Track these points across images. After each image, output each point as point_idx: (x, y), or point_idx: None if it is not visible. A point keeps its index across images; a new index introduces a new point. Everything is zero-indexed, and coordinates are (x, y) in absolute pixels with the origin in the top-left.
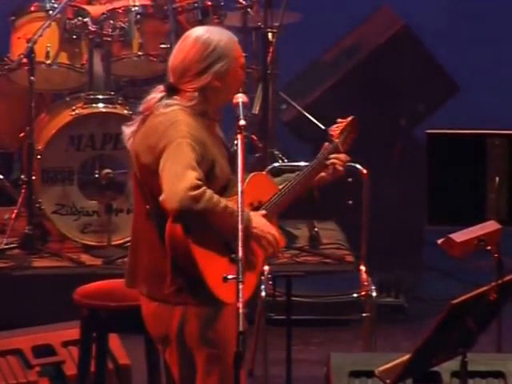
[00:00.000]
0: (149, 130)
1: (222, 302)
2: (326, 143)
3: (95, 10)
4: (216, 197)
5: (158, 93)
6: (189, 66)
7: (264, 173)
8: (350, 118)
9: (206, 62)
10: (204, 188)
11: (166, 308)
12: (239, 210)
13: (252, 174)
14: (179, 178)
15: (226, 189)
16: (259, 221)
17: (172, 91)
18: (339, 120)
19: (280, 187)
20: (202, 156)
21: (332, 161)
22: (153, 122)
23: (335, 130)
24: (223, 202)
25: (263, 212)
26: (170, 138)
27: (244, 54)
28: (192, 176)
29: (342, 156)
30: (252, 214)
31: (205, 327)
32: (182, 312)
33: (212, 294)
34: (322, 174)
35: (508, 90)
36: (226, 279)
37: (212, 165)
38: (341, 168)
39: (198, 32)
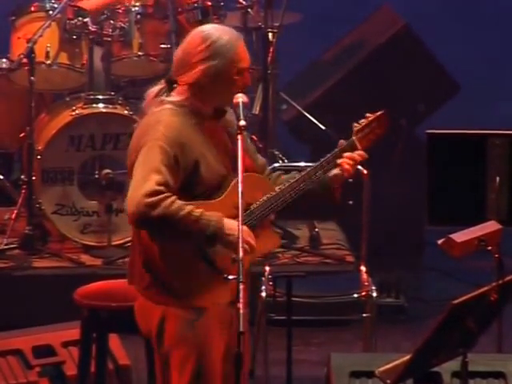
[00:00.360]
0: (137, 130)
1: (196, 306)
2: (341, 140)
3: (90, 4)
4: (178, 203)
5: (157, 86)
6: (184, 59)
7: (256, 174)
8: (378, 113)
9: (197, 57)
10: (164, 195)
11: (150, 305)
12: (239, 211)
13: (245, 175)
14: (140, 184)
15: (220, 188)
16: (232, 227)
17: (171, 85)
18: (367, 115)
19: (277, 188)
20: (177, 158)
21: (341, 160)
22: (141, 123)
23: (357, 125)
24: (187, 208)
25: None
26: (145, 140)
27: (248, 59)
28: (153, 181)
29: (355, 154)
30: (225, 220)
31: (182, 328)
32: (162, 311)
33: (185, 299)
34: (336, 172)
35: (508, 91)
36: (226, 280)
37: (194, 165)
38: (347, 167)
39: (204, 27)
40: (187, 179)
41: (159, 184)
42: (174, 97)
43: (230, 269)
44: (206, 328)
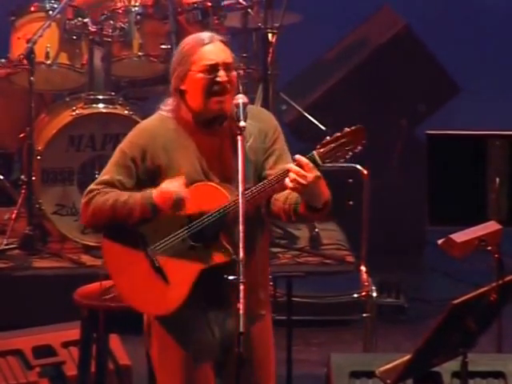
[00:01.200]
0: None
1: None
2: (311, 153)
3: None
4: (107, 195)
5: None
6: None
7: (212, 183)
8: (353, 128)
9: (172, 67)
10: (95, 192)
11: None
12: (240, 212)
13: (197, 184)
14: None
15: None
16: (163, 189)
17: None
18: (345, 129)
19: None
20: (135, 160)
21: (287, 178)
22: None
23: (327, 139)
24: (114, 197)
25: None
26: None
27: (215, 56)
28: (96, 181)
29: (302, 172)
30: (155, 189)
31: (147, 337)
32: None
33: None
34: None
35: (509, 91)
36: (226, 280)
37: (157, 170)
38: (294, 178)
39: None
40: (150, 183)
41: (98, 183)
42: (167, 105)
43: (180, 278)
44: (159, 334)
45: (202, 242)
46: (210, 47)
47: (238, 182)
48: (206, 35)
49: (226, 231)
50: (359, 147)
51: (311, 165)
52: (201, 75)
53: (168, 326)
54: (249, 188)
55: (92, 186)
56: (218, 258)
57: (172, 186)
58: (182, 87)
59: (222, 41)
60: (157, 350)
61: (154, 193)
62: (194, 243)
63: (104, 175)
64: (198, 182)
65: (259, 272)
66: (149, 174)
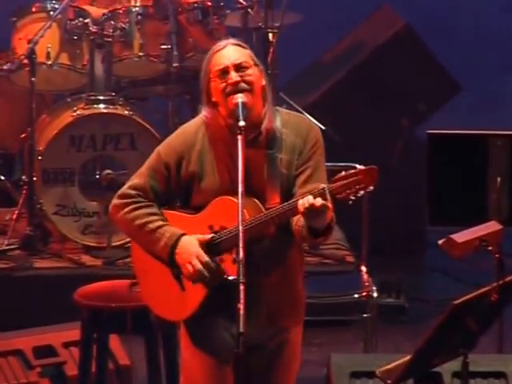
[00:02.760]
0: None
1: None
2: (321, 185)
3: (96, 11)
4: (138, 211)
5: None
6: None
7: (234, 199)
8: (366, 167)
9: (201, 82)
10: (130, 200)
11: None
12: (239, 211)
13: (221, 198)
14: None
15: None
16: (186, 246)
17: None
18: (358, 166)
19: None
20: (169, 166)
21: (299, 203)
22: None
23: (340, 175)
24: (145, 219)
25: (201, 237)
26: None
27: (224, 60)
28: (129, 184)
29: (314, 202)
30: (184, 238)
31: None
32: None
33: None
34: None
35: (510, 91)
36: (227, 280)
37: (191, 178)
38: (301, 210)
39: None
40: (184, 189)
41: (133, 187)
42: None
43: (193, 286)
44: (184, 332)
45: (218, 255)
46: (221, 53)
47: (239, 189)
48: (220, 43)
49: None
50: (371, 187)
51: (312, 200)
52: (217, 82)
53: (189, 328)
54: (271, 207)
55: (127, 190)
56: (231, 273)
57: (201, 252)
58: (213, 99)
59: (236, 44)
60: (182, 349)
61: (182, 240)
62: (212, 255)
63: (138, 178)
64: (226, 193)
65: (286, 287)
66: (183, 181)
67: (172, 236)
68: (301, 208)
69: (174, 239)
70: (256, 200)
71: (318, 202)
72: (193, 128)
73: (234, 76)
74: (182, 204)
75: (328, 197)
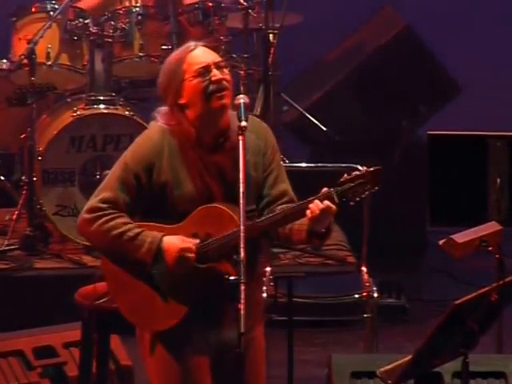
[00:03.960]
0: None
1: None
2: (325, 189)
3: (87, 2)
4: (114, 222)
5: None
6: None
7: (223, 207)
8: (370, 169)
9: (161, 87)
10: (102, 212)
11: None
12: (241, 211)
13: (207, 206)
14: (91, 199)
15: (188, 214)
16: (170, 243)
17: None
18: (361, 168)
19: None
20: (140, 176)
21: (308, 210)
22: None
23: (344, 177)
24: (123, 228)
25: (186, 238)
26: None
27: (205, 58)
28: (98, 198)
29: (324, 205)
30: (166, 237)
31: (139, 343)
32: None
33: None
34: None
35: (510, 92)
36: (227, 281)
37: (163, 187)
38: (314, 215)
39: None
40: (155, 200)
41: (104, 201)
42: (166, 118)
43: (176, 292)
44: (152, 343)
45: (205, 264)
46: (197, 52)
47: (240, 189)
48: (189, 44)
49: (231, 256)
50: (376, 188)
51: (329, 204)
52: (195, 80)
53: (160, 335)
54: (252, 210)
55: (97, 204)
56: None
57: (183, 244)
58: (181, 101)
59: (206, 45)
60: (148, 357)
61: (164, 239)
62: (198, 264)
63: (107, 191)
64: (202, 200)
65: (257, 288)
66: (154, 191)
67: (154, 239)
68: (310, 213)
69: (157, 242)
70: (235, 207)
71: (330, 206)
72: (157, 134)
73: (217, 73)
74: (150, 216)
75: (336, 201)
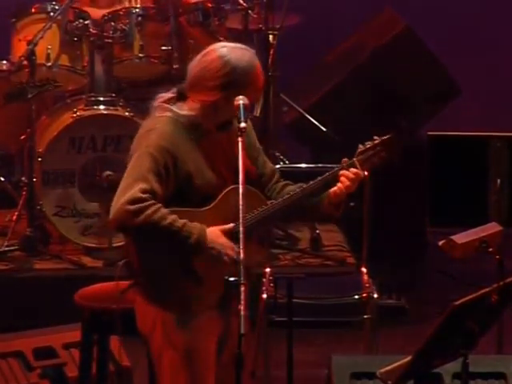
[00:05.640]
0: (136, 135)
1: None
2: (344, 159)
3: (95, 12)
4: (161, 212)
5: (169, 93)
6: (200, 79)
7: (249, 186)
8: (384, 137)
9: (217, 81)
10: (148, 203)
11: (143, 303)
12: (240, 211)
13: (232, 187)
14: (125, 191)
15: (215, 197)
16: (216, 239)
17: (182, 95)
18: (375, 137)
19: (270, 202)
20: (168, 167)
21: (341, 177)
22: (141, 127)
23: (361, 147)
24: (169, 218)
25: (223, 227)
26: (137, 146)
27: (263, 79)
28: (137, 189)
29: (351, 173)
30: (208, 231)
31: (172, 333)
32: (153, 314)
33: (163, 302)
34: (334, 189)
35: (510, 92)
36: (227, 281)
37: (187, 176)
38: (346, 184)
39: (222, 51)
40: (180, 189)
41: (144, 192)
42: (183, 109)
43: (212, 277)
44: (194, 333)
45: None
46: (260, 68)
47: (240, 190)
48: (251, 52)
49: (261, 234)
50: (392, 155)
51: (358, 171)
52: (255, 93)
53: (173, 324)
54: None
55: (138, 194)
56: (258, 258)
57: (226, 245)
58: (223, 103)
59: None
60: (161, 348)
61: (207, 239)
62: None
63: (142, 182)
64: (218, 184)
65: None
66: (179, 180)
67: (201, 231)
68: (344, 181)
69: (203, 233)
70: (257, 191)
71: (360, 173)
72: (172, 127)
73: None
74: (173, 205)
75: (360, 169)
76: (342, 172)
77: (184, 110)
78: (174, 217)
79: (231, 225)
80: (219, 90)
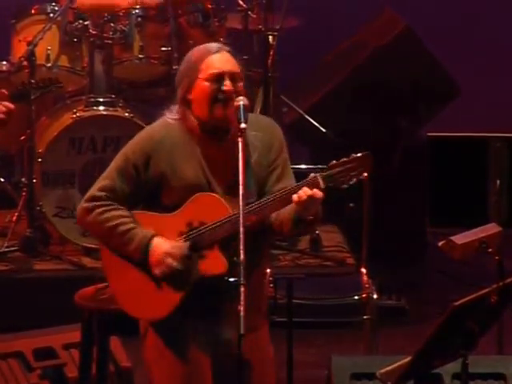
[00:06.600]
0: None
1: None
2: (312, 174)
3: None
4: (110, 213)
5: None
6: (176, 79)
7: (216, 195)
8: (360, 154)
9: (178, 76)
10: (100, 202)
11: None
12: (240, 212)
13: (201, 194)
14: (91, 189)
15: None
16: (158, 246)
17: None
18: (353, 154)
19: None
20: (138, 166)
21: (295, 195)
22: None
23: (333, 163)
24: (117, 221)
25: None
26: None
27: (223, 65)
28: (97, 187)
29: (311, 191)
30: (156, 239)
31: (159, 340)
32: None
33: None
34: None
35: (510, 93)
36: (227, 282)
37: (160, 177)
38: (296, 200)
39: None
40: (153, 190)
41: (102, 189)
42: (173, 112)
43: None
44: (155, 341)
45: (197, 252)
46: (217, 56)
47: (240, 191)
48: (214, 45)
49: (222, 244)
50: (364, 174)
51: (316, 191)
52: (207, 83)
53: (162, 332)
54: (251, 202)
55: (96, 193)
56: (212, 269)
57: (173, 250)
58: (189, 96)
59: (230, 51)
60: (151, 355)
61: (154, 240)
62: (191, 252)
63: (106, 180)
64: (200, 190)
65: (261, 284)
66: (152, 182)
67: (144, 238)
68: (297, 199)
69: (146, 241)
70: (233, 199)
71: (318, 193)
72: (158, 128)
73: (228, 84)
74: (148, 206)
75: (322, 186)
76: (303, 189)
77: (174, 113)
78: (124, 220)
79: (186, 245)
80: (181, 83)
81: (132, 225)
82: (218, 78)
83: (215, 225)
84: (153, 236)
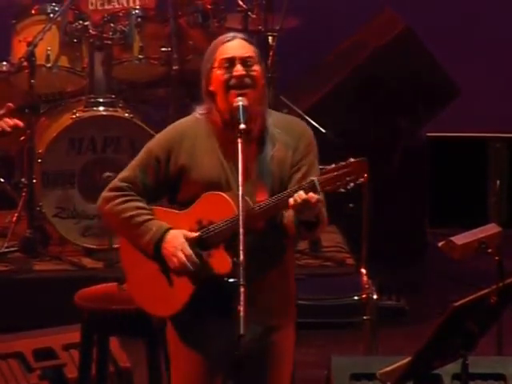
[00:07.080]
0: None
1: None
2: (309, 178)
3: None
4: (126, 204)
5: None
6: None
7: (223, 194)
8: (356, 159)
9: (201, 70)
10: (119, 192)
11: None
12: (240, 212)
13: (211, 193)
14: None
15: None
16: (171, 239)
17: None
18: (350, 159)
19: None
20: (159, 159)
21: (291, 199)
22: None
23: (329, 168)
24: (132, 212)
25: (189, 234)
26: None
27: (231, 50)
28: (119, 177)
29: (307, 195)
30: (171, 231)
31: (177, 331)
32: None
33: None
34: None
35: (509, 93)
36: (227, 282)
37: (180, 171)
38: (292, 204)
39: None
40: (174, 183)
41: (123, 180)
42: (202, 108)
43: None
44: (173, 337)
45: (206, 250)
46: (229, 44)
47: (239, 191)
48: (229, 34)
49: (228, 243)
50: (361, 179)
51: (311, 194)
52: (220, 72)
53: (178, 330)
54: (259, 202)
55: (117, 183)
56: (219, 268)
57: (177, 248)
58: (211, 88)
59: (244, 38)
60: (171, 351)
61: (170, 232)
62: (199, 250)
63: (128, 171)
64: (217, 185)
65: (283, 284)
66: (171, 175)
67: (158, 230)
68: (292, 202)
69: (161, 233)
70: (247, 198)
71: (313, 197)
72: (184, 122)
73: (240, 68)
74: (169, 201)
75: (318, 189)
76: (297, 194)
77: (201, 108)
78: (140, 211)
79: (196, 233)
80: (202, 76)
81: (148, 216)
82: (230, 64)
83: (224, 225)
84: (168, 229)
